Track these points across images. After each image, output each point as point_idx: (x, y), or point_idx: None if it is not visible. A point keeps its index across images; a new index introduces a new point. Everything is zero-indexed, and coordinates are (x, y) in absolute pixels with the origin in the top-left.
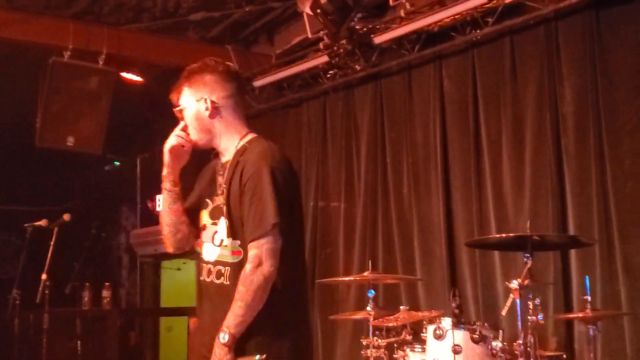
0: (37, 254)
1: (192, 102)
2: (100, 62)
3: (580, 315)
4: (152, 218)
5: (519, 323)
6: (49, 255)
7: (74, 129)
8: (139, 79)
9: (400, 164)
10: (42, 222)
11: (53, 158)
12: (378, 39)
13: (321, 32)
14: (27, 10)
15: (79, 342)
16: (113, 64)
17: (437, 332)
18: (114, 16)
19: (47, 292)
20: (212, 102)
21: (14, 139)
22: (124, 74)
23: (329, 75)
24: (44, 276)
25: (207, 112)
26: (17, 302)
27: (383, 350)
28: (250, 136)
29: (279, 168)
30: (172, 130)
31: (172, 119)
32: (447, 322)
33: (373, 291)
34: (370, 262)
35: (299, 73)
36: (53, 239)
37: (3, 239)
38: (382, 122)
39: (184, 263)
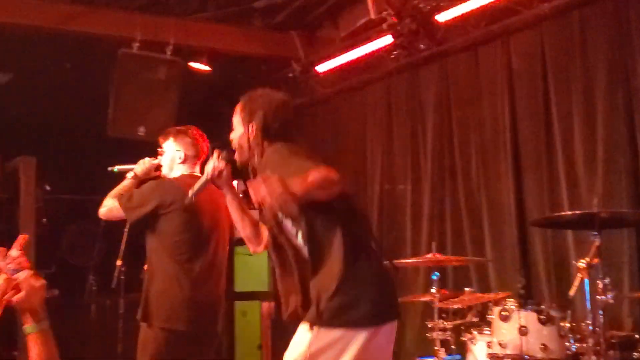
0: (112, 241)
1: None
2: (168, 53)
3: None
4: None
5: (588, 303)
6: (123, 241)
7: (145, 119)
8: (206, 68)
9: (468, 144)
10: None
11: (129, 148)
12: (442, 17)
13: (384, 12)
14: (95, 3)
15: None
16: (180, 54)
17: (503, 313)
18: (180, 6)
19: (122, 277)
20: None
21: (89, 129)
22: (191, 64)
23: (392, 56)
24: (119, 262)
25: None
26: (94, 288)
27: (449, 332)
28: None
29: None
30: None
31: None
32: (513, 303)
33: (437, 273)
34: (434, 244)
35: (363, 55)
36: (127, 226)
37: (79, 228)
38: (449, 101)
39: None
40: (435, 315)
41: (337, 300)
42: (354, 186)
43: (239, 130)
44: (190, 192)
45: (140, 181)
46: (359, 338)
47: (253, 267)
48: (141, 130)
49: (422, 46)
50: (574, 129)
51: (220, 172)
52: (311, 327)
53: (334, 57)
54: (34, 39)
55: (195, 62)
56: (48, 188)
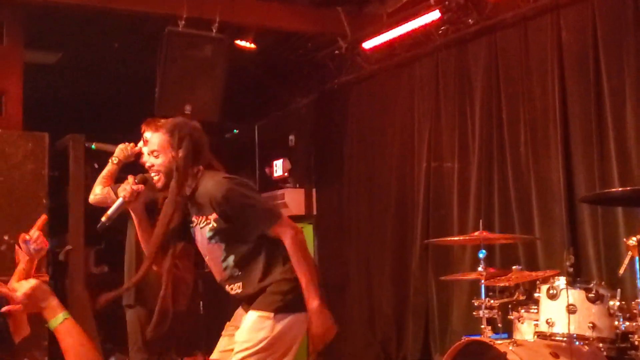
0: None
1: None
2: (214, 30)
3: None
4: (270, 183)
5: (638, 281)
6: None
7: (191, 97)
8: (252, 46)
9: (517, 120)
10: None
11: None
12: None
13: None
14: None
15: (201, 302)
16: (226, 31)
17: (551, 291)
18: None
19: None
20: None
21: (136, 108)
22: (237, 42)
23: (440, 32)
24: None
25: None
26: None
27: (496, 311)
28: None
29: None
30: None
31: (286, 87)
32: (561, 281)
33: (484, 251)
34: (481, 221)
35: (410, 31)
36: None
37: None
38: (497, 77)
39: (301, 227)
40: (482, 294)
41: (294, 293)
42: (401, 164)
43: (166, 156)
44: (104, 218)
45: (122, 166)
46: (305, 318)
47: None
48: (187, 109)
49: (470, 21)
50: (625, 104)
51: (138, 195)
52: (275, 315)
53: (380, 34)
54: (82, 19)
55: (241, 39)
56: (96, 166)
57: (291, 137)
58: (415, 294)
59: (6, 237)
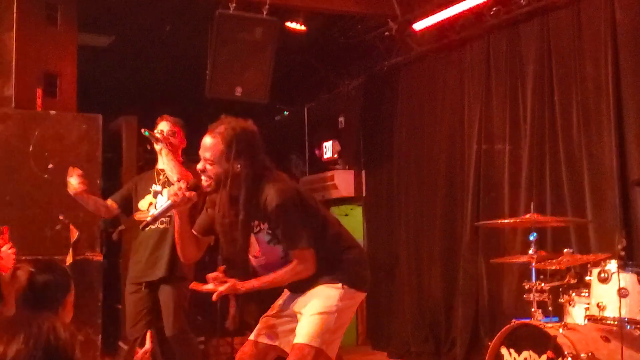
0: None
1: None
2: (264, 13)
3: None
4: (319, 165)
5: None
6: None
7: (241, 80)
8: (302, 28)
9: (569, 102)
10: None
11: (224, 109)
12: None
13: None
14: None
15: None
16: (277, 13)
17: (602, 275)
18: None
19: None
20: None
21: (188, 89)
22: (287, 24)
23: (492, 13)
24: None
25: None
26: None
27: (547, 294)
28: None
29: None
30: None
31: (335, 69)
32: (612, 264)
33: (535, 234)
34: (532, 204)
35: (461, 12)
36: None
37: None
38: (550, 58)
39: (351, 209)
40: (533, 277)
41: (357, 272)
42: (451, 146)
43: (220, 166)
44: (150, 218)
45: None
46: (360, 298)
47: (348, 227)
48: (238, 91)
49: (522, 2)
50: None
51: (189, 201)
52: (343, 286)
53: (431, 15)
54: (135, 2)
55: (291, 21)
56: (149, 147)
57: (341, 119)
58: (465, 277)
59: (61, 217)
